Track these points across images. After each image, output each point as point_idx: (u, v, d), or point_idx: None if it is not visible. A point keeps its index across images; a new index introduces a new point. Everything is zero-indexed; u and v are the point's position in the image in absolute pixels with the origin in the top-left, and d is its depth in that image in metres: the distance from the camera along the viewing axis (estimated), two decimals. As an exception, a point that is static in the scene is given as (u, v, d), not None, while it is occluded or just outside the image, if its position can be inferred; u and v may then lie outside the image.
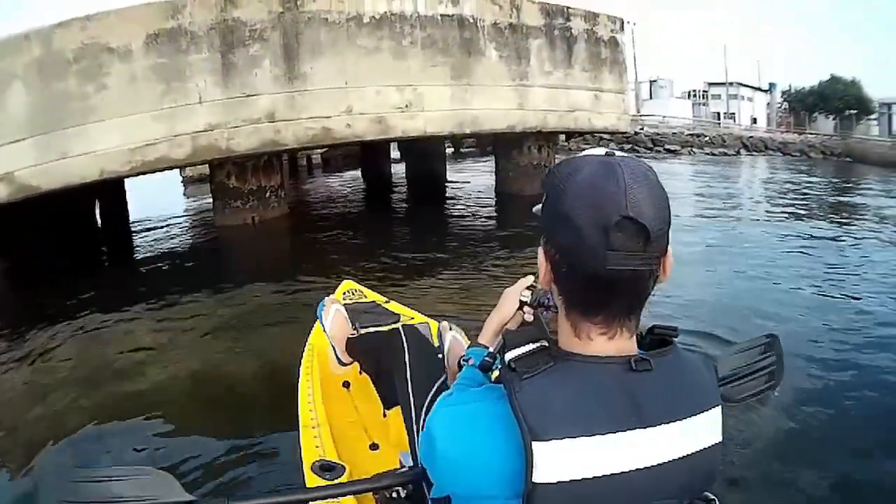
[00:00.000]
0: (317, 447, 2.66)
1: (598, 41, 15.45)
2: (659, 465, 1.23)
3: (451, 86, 12.94)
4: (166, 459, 4.03)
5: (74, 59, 10.34)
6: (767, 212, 15.63)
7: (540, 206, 1.35)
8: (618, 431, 1.20)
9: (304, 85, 11.45)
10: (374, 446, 2.96)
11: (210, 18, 10.84)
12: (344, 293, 4.42)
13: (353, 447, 2.89)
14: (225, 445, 4.23)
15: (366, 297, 4.38)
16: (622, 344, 1.28)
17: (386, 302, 4.23)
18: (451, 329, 3.30)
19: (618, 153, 1.28)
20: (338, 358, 3.25)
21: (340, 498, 2.24)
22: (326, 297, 3.52)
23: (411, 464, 2.37)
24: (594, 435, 1.18)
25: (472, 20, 13.15)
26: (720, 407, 1.34)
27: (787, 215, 14.87)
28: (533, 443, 1.15)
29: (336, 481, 2.32)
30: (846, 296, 7.81)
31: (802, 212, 15.59)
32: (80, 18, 10.42)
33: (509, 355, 1.27)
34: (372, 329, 3.50)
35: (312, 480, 2.38)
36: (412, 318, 3.89)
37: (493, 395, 1.28)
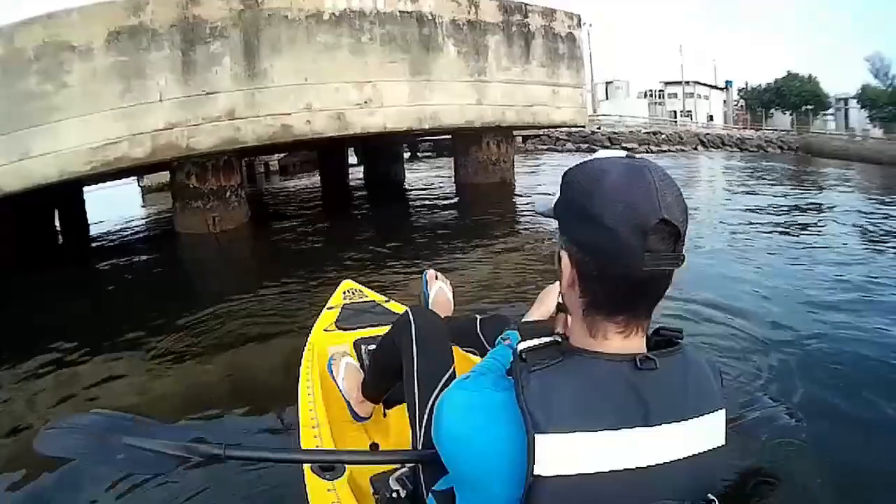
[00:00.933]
0: (317, 447, 2.63)
1: (555, 37, 15.56)
2: (661, 464, 1.26)
3: (409, 82, 13.02)
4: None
5: (35, 58, 10.24)
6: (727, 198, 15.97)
7: (547, 204, 1.43)
8: (621, 428, 1.23)
9: (264, 82, 11.44)
10: (374, 446, 2.96)
11: (171, 16, 10.82)
12: (344, 293, 4.38)
13: (353, 447, 2.89)
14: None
15: (366, 296, 4.33)
16: (635, 342, 1.33)
17: (386, 301, 4.19)
18: (437, 278, 3.32)
19: (639, 156, 1.33)
20: (353, 411, 3.04)
21: (340, 494, 2.25)
22: (334, 353, 3.33)
23: None
24: (597, 431, 1.21)
25: (430, 17, 13.24)
26: (724, 410, 1.37)
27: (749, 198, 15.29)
28: (536, 435, 1.19)
29: (336, 481, 2.31)
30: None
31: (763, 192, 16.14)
32: (43, 16, 10.35)
33: (521, 346, 1.30)
34: (374, 329, 3.51)
35: (312, 480, 2.34)
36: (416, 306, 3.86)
37: (504, 386, 1.30)
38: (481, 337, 2.82)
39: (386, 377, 2.81)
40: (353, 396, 3.02)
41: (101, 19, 10.55)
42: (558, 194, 1.35)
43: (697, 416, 1.31)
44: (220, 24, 11.08)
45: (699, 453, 1.30)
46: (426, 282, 3.39)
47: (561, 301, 1.44)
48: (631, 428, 1.23)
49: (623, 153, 1.33)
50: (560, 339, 1.33)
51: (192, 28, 10.97)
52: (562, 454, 1.19)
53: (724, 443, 1.35)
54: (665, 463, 1.26)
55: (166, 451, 1.95)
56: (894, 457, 3.58)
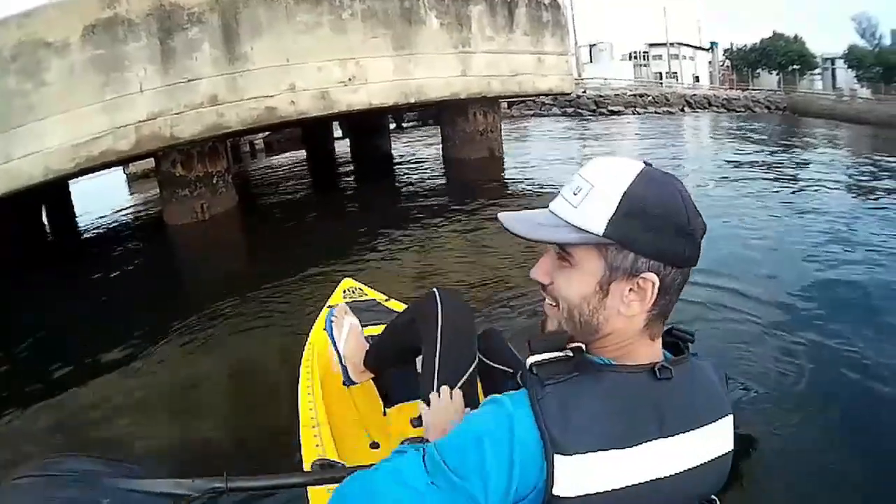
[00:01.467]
0: (317, 446, 2.63)
1: (539, 4, 15.45)
2: (676, 474, 1.25)
3: (393, 57, 12.89)
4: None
5: (12, 58, 10.07)
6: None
7: (565, 225, 1.30)
8: (640, 443, 1.21)
9: (245, 65, 11.29)
10: (374, 445, 2.90)
11: (147, 5, 10.65)
12: (343, 292, 4.35)
13: (354, 446, 2.84)
14: (222, 447, 4.15)
15: (366, 294, 4.30)
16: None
17: (386, 300, 4.17)
18: (346, 313, 3.19)
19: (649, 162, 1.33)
20: (348, 377, 3.01)
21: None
22: (335, 308, 3.28)
23: None
24: (617, 448, 1.20)
25: (411, -11, 13.08)
26: (731, 416, 1.38)
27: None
28: (555, 455, 1.16)
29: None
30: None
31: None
32: (18, 15, 10.17)
33: (531, 360, 1.27)
34: (375, 328, 3.38)
35: None
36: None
37: (522, 402, 1.25)
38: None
39: (393, 356, 2.81)
40: (353, 363, 2.97)
41: (76, 14, 10.37)
42: (612, 214, 1.24)
43: (709, 423, 1.32)
44: (197, 10, 10.90)
45: (711, 460, 1.31)
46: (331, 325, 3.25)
47: (600, 327, 1.32)
48: (649, 441, 1.22)
49: (642, 163, 1.30)
50: (572, 354, 1.30)
51: (169, 15, 10.79)
52: (581, 474, 1.18)
53: (732, 448, 1.37)
54: (680, 472, 1.26)
55: (160, 490, 1.82)
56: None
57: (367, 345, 3.02)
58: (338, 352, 3.08)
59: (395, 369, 2.93)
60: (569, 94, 18.20)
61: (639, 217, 1.22)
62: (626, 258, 1.24)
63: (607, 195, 1.24)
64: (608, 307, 1.29)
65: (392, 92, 13.02)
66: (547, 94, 17.22)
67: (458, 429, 1.29)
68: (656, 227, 1.22)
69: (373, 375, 3.00)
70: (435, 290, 2.49)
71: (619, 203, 1.23)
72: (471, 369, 2.25)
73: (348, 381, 3.01)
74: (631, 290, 1.26)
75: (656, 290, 1.25)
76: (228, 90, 11.26)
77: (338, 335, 3.08)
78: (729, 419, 1.36)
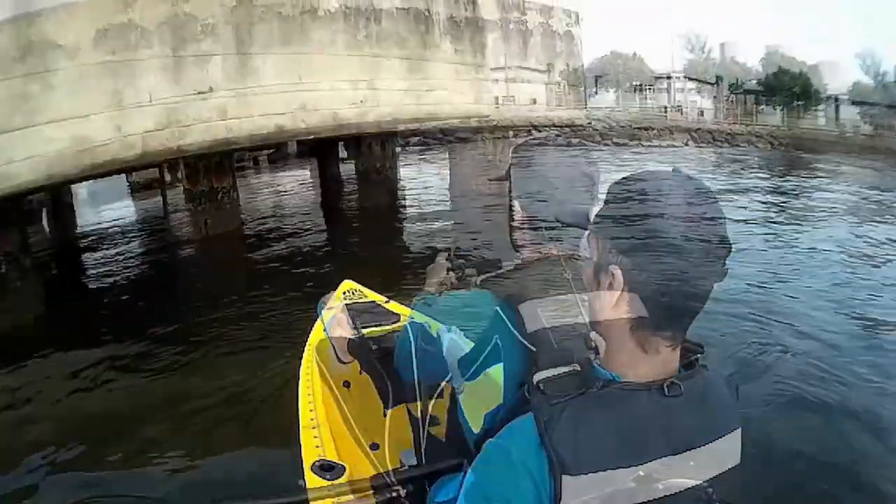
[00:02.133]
0: (317, 447, 2.71)
1: (553, 34, 15.51)
2: (681, 491, 1.22)
3: (406, 79, 12.88)
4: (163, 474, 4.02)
5: (20, 58, 9.90)
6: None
7: (576, 212, 1.41)
8: (649, 461, 1.20)
9: (257, 81, 11.19)
10: (374, 446, 2.95)
11: (161, 13, 10.55)
12: (344, 293, 4.39)
13: (353, 447, 2.90)
14: (225, 448, 4.27)
15: (366, 297, 4.35)
16: (676, 354, 1.30)
17: (386, 302, 4.22)
18: (448, 331, 3.27)
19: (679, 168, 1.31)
20: (338, 357, 3.23)
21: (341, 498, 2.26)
22: (326, 295, 3.56)
23: (413, 462, 2.42)
24: (624, 467, 1.18)
25: (427, 14, 13.06)
26: (740, 429, 1.35)
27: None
28: (563, 476, 1.16)
29: (336, 481, 2.34)
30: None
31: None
32: (29, 14, 10.00)
33: (538, 376, 1.26)
34: (374, 329, 3.50)
35: (312, 480, 2.39)
36: (413, 318, 3.89)
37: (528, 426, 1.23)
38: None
39: (365, 360, 3.09)
40: (339, 342, 3.24)
41: (89, 17, 10.26)
42: (602, 206, 1.32)
43: (717, 439, 1.30)
44: (211, 21, 10.83)
45: (716, 475, 1.28)
46: (439, 336, 3.32)
47: (597, 313, 1.36)
48: (657, 458, 1.22)
49: (671, 168, 1.30)
50: (579, 368, 1.29)
51: (183, 25, 10.72)
52: (588, 493, 1.17)
53: (739, 461, 1.34)
54: (685, 490, 1.23)
55: None
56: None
57: (353, 331, 3.30)
58: (326, 332, 3.33)
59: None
60: (581, 126, 18.38)
61: (610, 206, 1.30)
62: (605, 249, 1.29)
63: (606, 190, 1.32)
64: (600, 294, 1.32)
65: (403, 114, 13.02)
66: (560, 126, 17.36)
67: (477, 492, 1.27)
68: (618, 219, 1.26)
69: (355, 359, 3.21)
70: (406, 325, 2.85)
71: (606, 195, 1.31)
72: (442, 384, 2.43)
73: (339, 360, 3.24)
74: (610, 282, 1.27)
75: (621, 287, 1.25)
76: (239, 104, 11.14)
77: (326, 317, 3.40)
78: (737, 433, 1.35)
